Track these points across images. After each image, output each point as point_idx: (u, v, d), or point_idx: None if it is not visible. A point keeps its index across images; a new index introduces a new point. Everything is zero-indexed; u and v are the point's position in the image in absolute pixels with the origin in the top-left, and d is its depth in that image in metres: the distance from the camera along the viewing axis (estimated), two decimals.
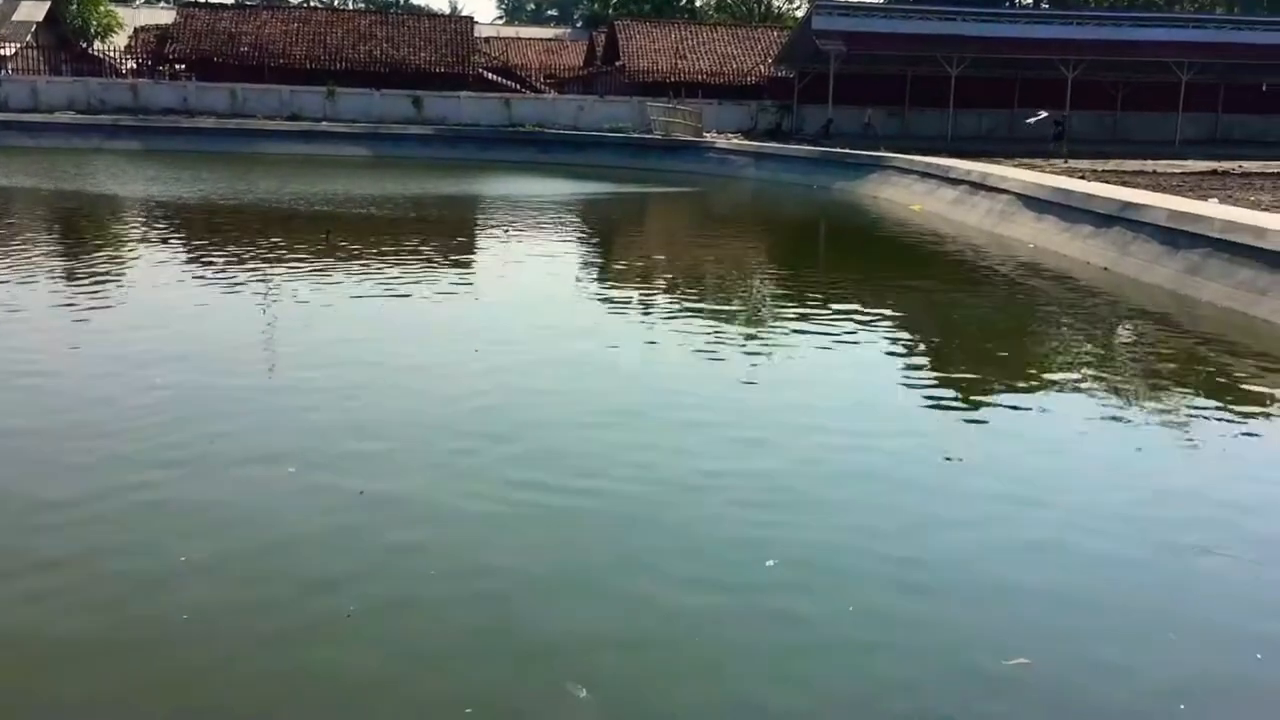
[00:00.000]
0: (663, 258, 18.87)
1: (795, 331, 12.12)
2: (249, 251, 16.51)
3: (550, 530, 6.29)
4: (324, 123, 41.75)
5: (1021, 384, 10.18)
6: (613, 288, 15.07)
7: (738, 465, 7.43)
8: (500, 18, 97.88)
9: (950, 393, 9.86)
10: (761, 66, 47.92)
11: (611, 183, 32.64)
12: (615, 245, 21.06)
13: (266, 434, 7.81)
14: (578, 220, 23.80)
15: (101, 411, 8.21)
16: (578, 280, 15.99)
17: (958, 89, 40.87)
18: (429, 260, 16.41)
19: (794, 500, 6.86)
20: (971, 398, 9.62)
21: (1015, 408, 9.27)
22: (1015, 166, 26.58)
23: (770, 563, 5.87)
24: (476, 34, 51.70)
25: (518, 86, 49.92)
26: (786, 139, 40.98)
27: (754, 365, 10.44)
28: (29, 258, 15.48)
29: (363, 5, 79.84)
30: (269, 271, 14.65)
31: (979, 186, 23.85)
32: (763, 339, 11.84)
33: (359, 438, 7.77)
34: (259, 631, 5.11)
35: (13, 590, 5.42)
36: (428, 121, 42.67)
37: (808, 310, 13.36)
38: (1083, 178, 23.18)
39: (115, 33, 50.99)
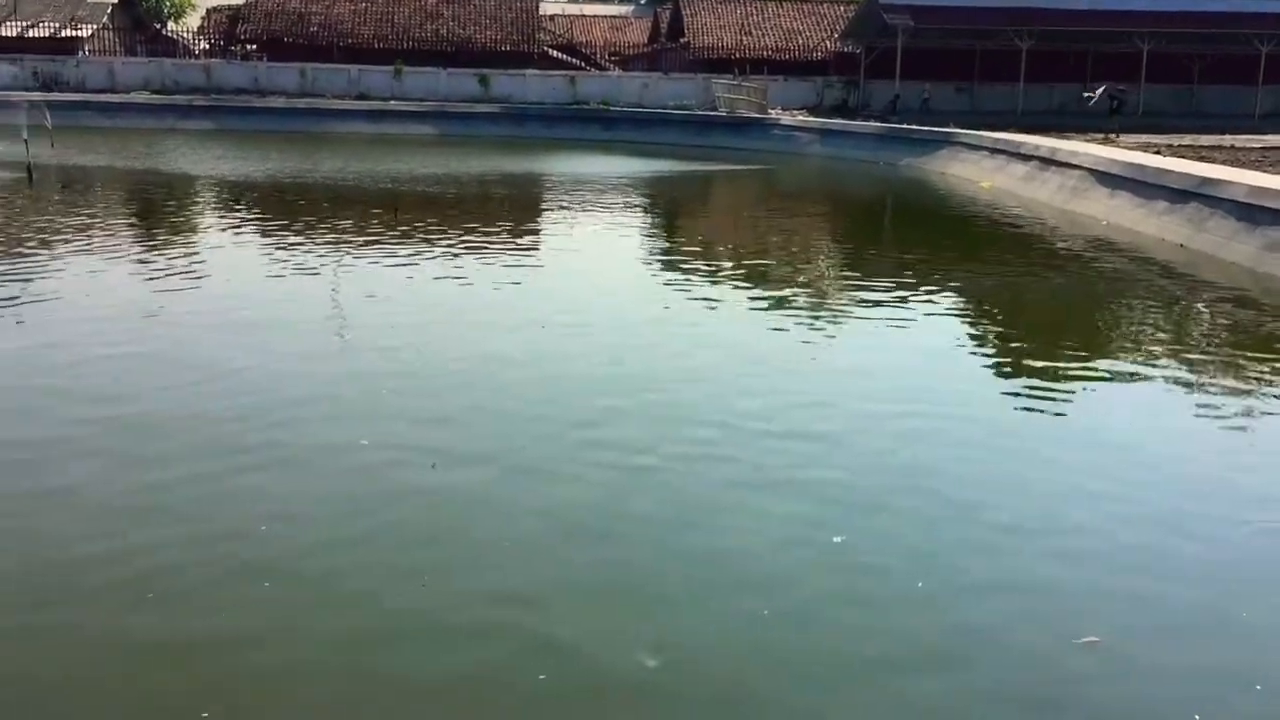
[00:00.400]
0: (729, 236, 18.86)
1: (863, 309, 12.07)
2: (317, 229, 16.78)
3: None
4: (391, 102, 42.15)
5: (1095, 362, 10.06)
6: (680, 266, 15.09)
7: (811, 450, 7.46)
8: None
9: (1027, 371, 9.78)
10: (828, 42, 47.45)
11: (676, 160, 32.61)
12: (681, 223, 21.08)
13: (340, 409, 7.98)
14: (643, 198, 23.84)
15: (181, 390, 8.45)
16: (644, 258, 16.04)
17: (1028, 63, 40.16)
18: (495, 237, 16.56)
19: (874, 468, 6.89)
20: (1046, 376, 9.53)
21: (1087, 385, 9.18)
22: (1086, 141, 26.11)
23: (837, 539, 5.92)
24: (541, 12, 51.75)
25: (582, 64, 49.96)
26: (853, 115, 40.58)
27: (824, 343, 10.44)
28: (106, 238, 15.87)
29: None
30: (337, 248, 14.88)
31: (1049, 162, 23.48)
32: (833, 318, 11.81)
33: (430, 412, 7.91)
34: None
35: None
36: (493, 100, 42.90)
37: (876, 289, 13.29)
38: (1158, 153, 22.71)
39: (188, 14, 51.81)
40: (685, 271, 14.32)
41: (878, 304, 12.22)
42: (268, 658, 4.78)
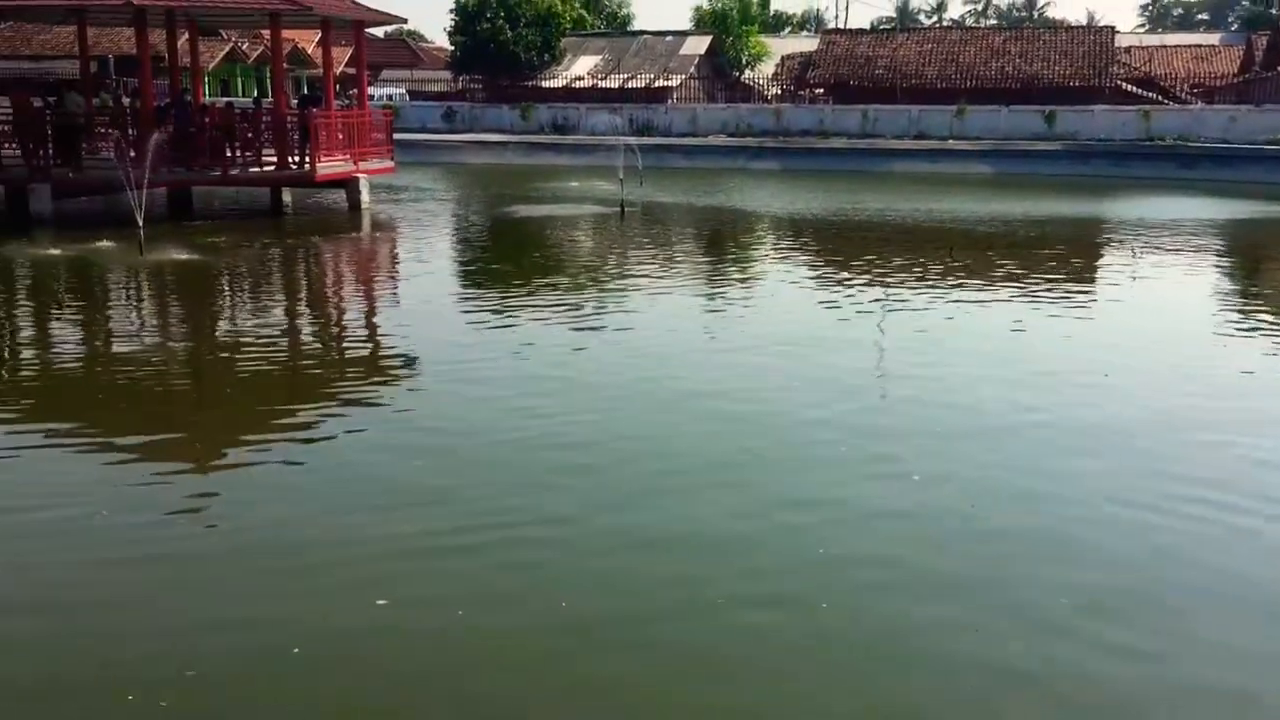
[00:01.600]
0: None
1: None
2: (869, 264, 17.25)
3: None
4: (950, 141, 42.10)
5: None
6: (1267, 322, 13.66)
7: None
8: (1142, 25, 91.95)
9: None
10: None
11: (1269, 202, 29.39)
12: (1271, 274, 19.03)
13: (898, 443, 8.21)
14: (1222, 244, 21.80)
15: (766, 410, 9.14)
16: (1218, 311, 14.72)
17: None
18: (1052, 280, 16.02)
19: None
20: None
21: None
22: None
23: None
24: (1116, 44, 49.04)
25: (1158, 97, 46.61)
26: None
27: None
28: (674, 266, 17.46)
29: (994, 22, 79.29)
30: (888, 284, 15.22)
31: None
32: None
33: (989, 451, 7.90)
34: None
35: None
36: (1057, 137, 41.34)
37: None
38: None
39: (763, 61, 55.34)
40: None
41: None
42: None
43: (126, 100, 25.19)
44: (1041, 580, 5.98)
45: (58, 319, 13.65)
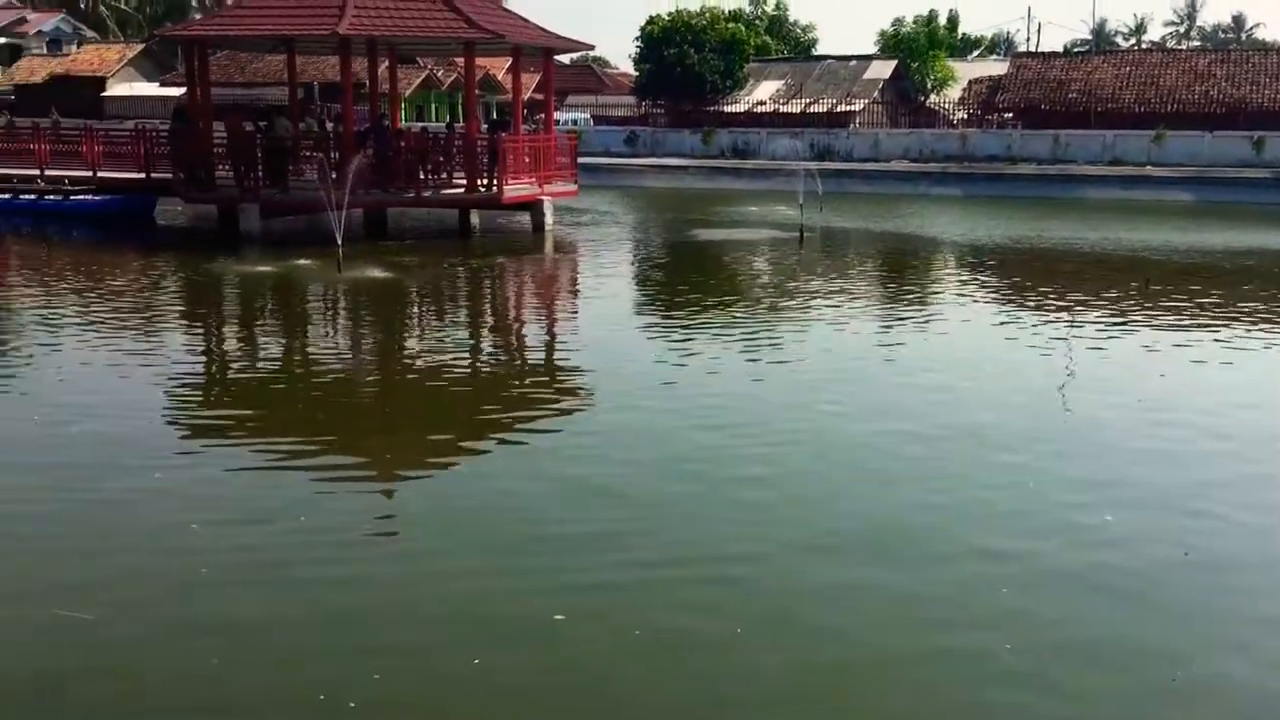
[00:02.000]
0: None
1: None
2: (1056, 294, 16.69)
3: None
4: (1147, 167, 40.33)
5: None
6: None
7: None
8: None
9: None
10: None
11: None
12: None
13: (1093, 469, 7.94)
14: None
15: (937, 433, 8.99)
16: None
17: None
18: (1258, 316, 15.17)
19: None
20: None
21: None
22: None
23: None
24: None
25: None
26: None
27: None
28: (852, 292, 17.28)
29: (1198, 44, 75.68)
30: (1075, 314, 14.70)
31: None
32: None
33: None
34: None
35: None
36: (1265, 164, 39.08)
37: None
38: None
39: (949, 85, 54.26)
40: None
41: None
42: None
43: (329, 125, 26.49)
44: None
45: (262, 332, 14.51)
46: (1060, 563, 6.61)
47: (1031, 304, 16.27)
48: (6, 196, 26.12)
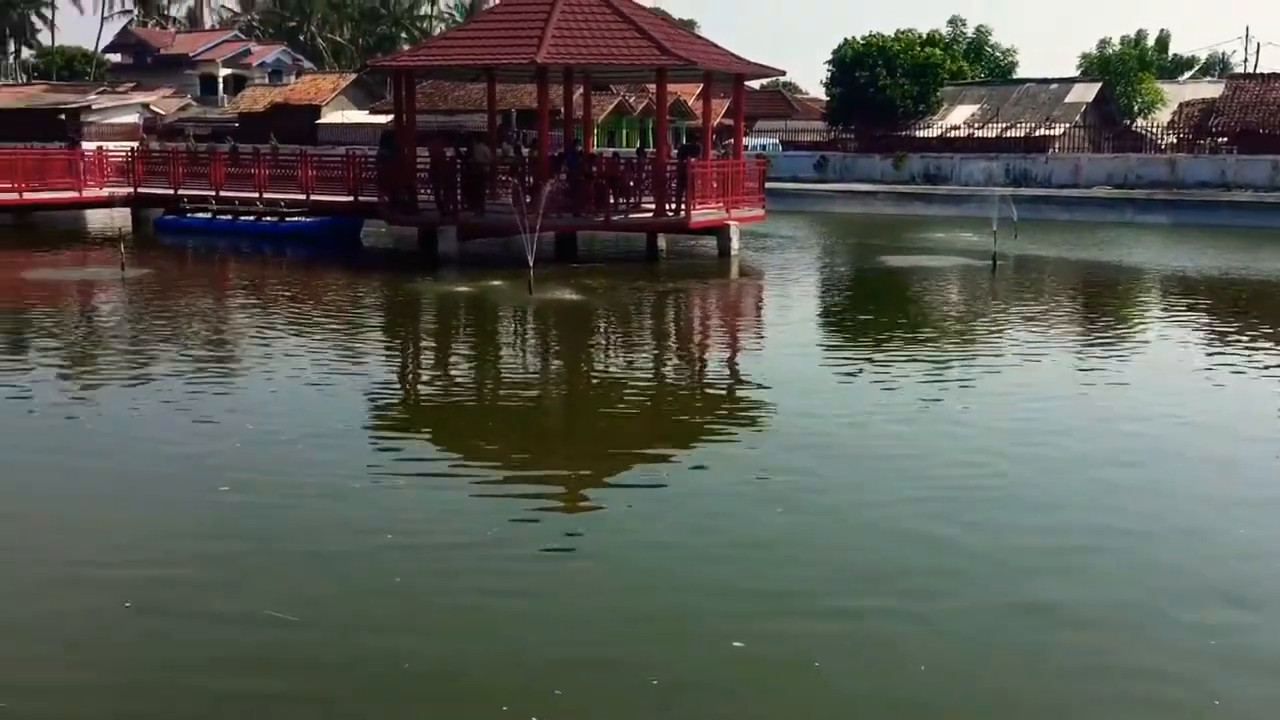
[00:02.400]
0: None
1: None
2: (1268, 328, 15.74)
3: None
4: None
5: None
6: None
7: None
8: None
9: None
10: None
11: None
12: None
13: None
14: None
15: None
16: None
17: None
18: None
19: None
20: None
21: None
22: None
23: None
24: None
25: None
26: None
27: None
28: (1047, 325, 16.69)
29: None
30: None
31: None
32: None
33: None
34: None
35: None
36: None
37: None
38: None
39: (1158, 109, 51.90)
40: None
41: None
42: None
43: (525, 150, 27.33)
44: None
45: (456, 350, 15.11)
46: None
47: (1244, 338, 15.37)
48: (228, 218, 27.99)
